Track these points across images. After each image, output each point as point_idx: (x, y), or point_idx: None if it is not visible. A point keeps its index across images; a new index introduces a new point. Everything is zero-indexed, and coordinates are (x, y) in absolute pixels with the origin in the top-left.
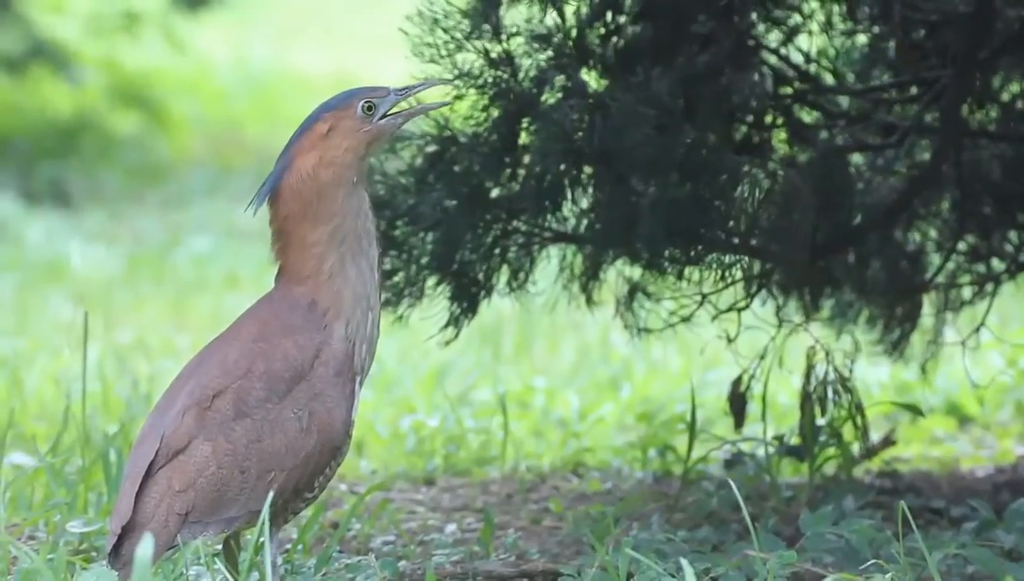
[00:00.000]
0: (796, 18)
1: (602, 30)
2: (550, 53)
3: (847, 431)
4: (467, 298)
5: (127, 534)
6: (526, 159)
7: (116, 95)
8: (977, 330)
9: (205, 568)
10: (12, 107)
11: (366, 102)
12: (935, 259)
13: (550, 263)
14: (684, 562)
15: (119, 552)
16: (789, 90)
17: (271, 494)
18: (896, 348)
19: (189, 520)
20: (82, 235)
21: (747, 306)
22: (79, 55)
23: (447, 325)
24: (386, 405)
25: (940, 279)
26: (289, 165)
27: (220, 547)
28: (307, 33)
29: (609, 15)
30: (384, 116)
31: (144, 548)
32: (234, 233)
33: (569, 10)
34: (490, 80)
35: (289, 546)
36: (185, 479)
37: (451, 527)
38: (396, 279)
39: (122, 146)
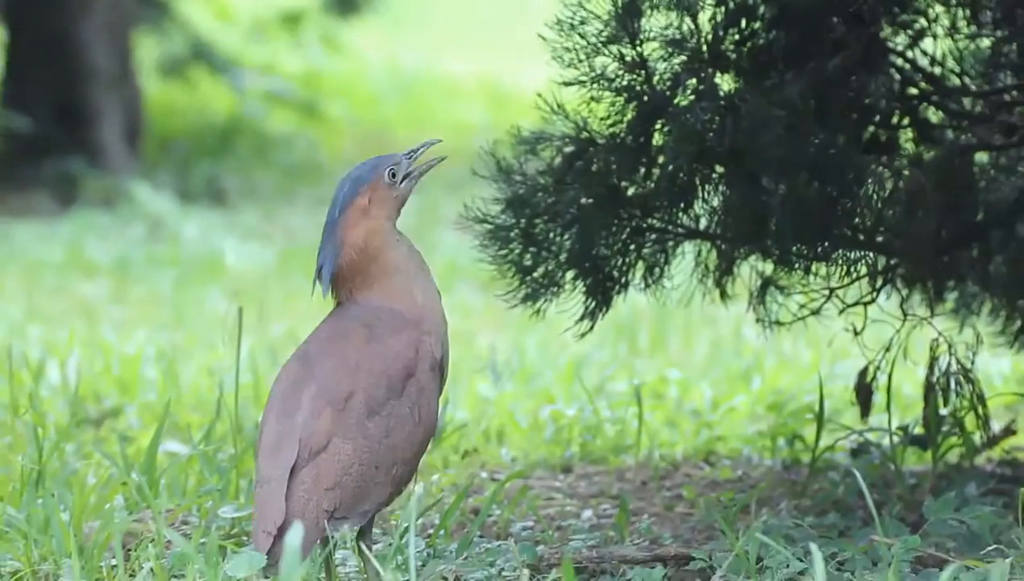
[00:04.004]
0: (922, 22)
1: (736, 36)
2: (684, 57)
3: (969, 421)
4: (602, 292)
5: (282, 534)
6: (660, 159)
7: (273, 97)
8: None
9: (352, 552)
10: (171, 109)
11: (390, 170)
12: None
13: (685, 258)
14: (812, 547)
15: (273, 551)
16: (915, 91)
17: (415, 485)
18: (1017, 340)
19: (335, 516)
20: (237, 232)
21: (873, 300)
22: (240, 59)
23: (582, 318)
24: (526, 396)
25: None
26: (341, 245)
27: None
28: (456, 40)
29: (743, 22)
30: (405, 177)
31: (293, 536)
32: None
33: (704, 17)
34: (626, 83)
35: (432, 531)
36: (332, 477)
37: (587, 513)
38: (535, 275)
39: (277, 146)
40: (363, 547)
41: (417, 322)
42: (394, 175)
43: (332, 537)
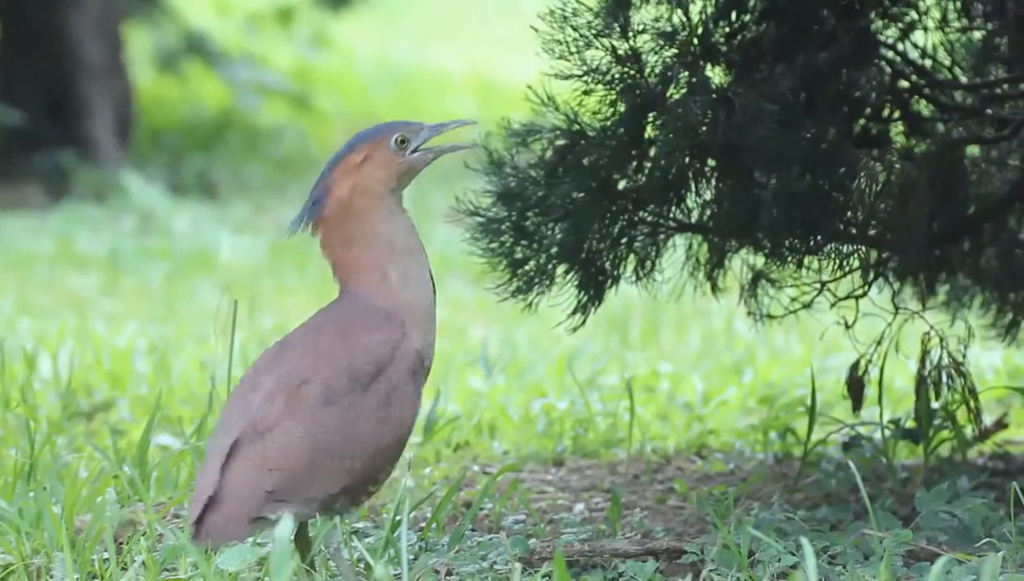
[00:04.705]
0: (912, 15)
1: (727, 28)
2: (676, 50)
3: (961, 414)
4: (594, 286)
5: (212, 506)
6: (652, 152)
7: (264, 91)
8: None
9: (343, 545)
10: (163, 102)
11: (400, 136)
12: None
13: (676, 252)
14: (804, 540)
15: (203, 522)
16: (906, 84)
17: (406, 479)
18: (1009, 333)
19: (273, 497)
20: (228, 225)
21: (865, 293)
22: (231, 52)
23: (574, 312)
24: (518, 390)
25: None
26: (326, 193)
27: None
28: (446, 33)
29: (734, 14)
30: (416, 150)
31: (284, 526)
32: None
33: (695, 9)
34: (617, 76)
35: (423, 525)
36: (274, 458)
37: (579, 506)
38: (527, 268)
39: (268, 139)
40: (332, 550)
41: (395, 310)
42: (403, 141)
43: (270, 518)
